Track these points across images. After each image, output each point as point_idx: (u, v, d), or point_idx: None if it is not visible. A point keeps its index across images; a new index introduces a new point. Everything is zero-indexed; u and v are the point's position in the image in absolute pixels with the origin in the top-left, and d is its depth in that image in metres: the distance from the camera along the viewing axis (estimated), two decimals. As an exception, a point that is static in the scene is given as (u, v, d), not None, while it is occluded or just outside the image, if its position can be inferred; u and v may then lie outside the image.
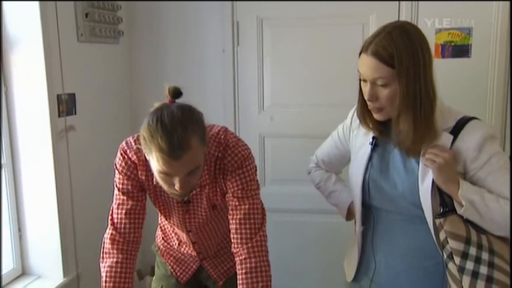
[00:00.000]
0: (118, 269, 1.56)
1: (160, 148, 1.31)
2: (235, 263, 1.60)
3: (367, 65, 1.36)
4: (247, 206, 1.55)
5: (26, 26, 2.18)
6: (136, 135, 1.55)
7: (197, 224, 1.69)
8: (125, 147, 1.58)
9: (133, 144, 1.56)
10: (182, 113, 1.37)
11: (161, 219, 1.87)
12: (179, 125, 1.33)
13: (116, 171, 1.60)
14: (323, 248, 2.87)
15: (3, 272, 2.29)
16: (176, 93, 1.44)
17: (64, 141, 2.33)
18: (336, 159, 1.78)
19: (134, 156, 1.56)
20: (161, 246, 1.91)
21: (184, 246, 1.84)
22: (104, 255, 1.60)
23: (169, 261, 1.89)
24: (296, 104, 2.82)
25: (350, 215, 1.71)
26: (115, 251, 1.58)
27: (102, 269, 1.59)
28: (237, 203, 1.55)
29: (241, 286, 1.51)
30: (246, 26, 2.80)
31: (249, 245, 1.53)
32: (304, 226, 2.92)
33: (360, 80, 1.43)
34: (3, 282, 2.27)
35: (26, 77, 2.22)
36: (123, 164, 1.57)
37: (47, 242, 2.35)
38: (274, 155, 2.91)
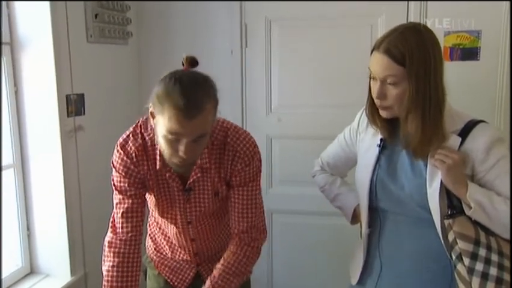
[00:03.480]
0: (114, 273, 1.55)
1: (176, 105, 1.31)
2: None
3: (378, 63, 1.37)
4: (250, 193, 1.60)
5: (36, 27, 2.20)
6: (129, 132, 1.57)
7: (198, 213, 1.64)
8: (122, 142, 1.56)
9: (136, 132, 1.55)
10: (201, 76, 1.40)
11: (151, 226, 1.84)
12: (198, 86, 1.36)
13: (113, 170, 1.58)
14: (329, 250, 2.86)
15: (12, 270, 2.31)
16: (192, 62, 1.47)
17: (72, 141, 2.34)
18: (341, 162, 1.77)
19: (133, 148, 1.54)
20: (155, 257, 1.86)
21: (178, 252, 1.79)
22: (104, 258, 1.60)
23: (164, 271, 1.84)
24: (304, 106, 2.82)
25: (354, 218, 1.71)
26: (111, 254, 1.57)
27: (103, 273, 1.59)
28: (240, 191, 1.59)
29: (217, 272, 1.58)
30: (254, 27, 2.81)
31: (246, 234, 1.60)
32: (311, 228, 2.92)
33: (370, 79, 1.44)
34: (12, 281, 2.29)
35: (36, 77, 2.24)
36: (119, 160, 1.55)
37: (55, 241, 2.36)
38: (282, 157, 2.92)
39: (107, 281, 1.55)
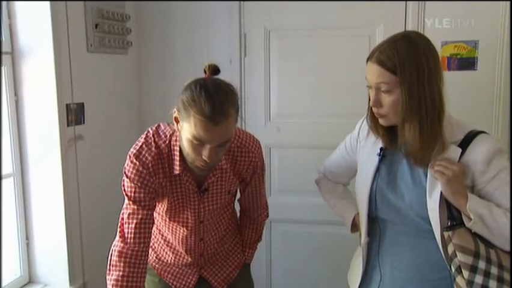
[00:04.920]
0: (124, 283, 1.54)
1: (202, 111, 1.35)
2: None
3: (372, 71, 1.40)
4: (260, 187, 1.83)
5: (37, 36, 2.21)
6: (141, 142, 1.58)
7: (211, 211, 1.70)
8: (136, 153, 1.56)
9: (148, 141, 1.58)
10: (224, 84, 1.45)
11: (152, 235, 1.83)
12: (222, 93, 1.40)
13: (127, 180, 1.58)
14: (328, 259, 2.86)
15: (11, 279, 2.31)
16: (214, 70, 1.51)
17: (72, 150, 2.35)
18: (343, 170, 1.78)
19: (149, 158, 1.55)
20: (157, 265, 1.86)
21: (181, 258, 1.81)
22: (111, 267, 1.58)
23: (167, 278, 1.85)
24: (303, 115, 2.83)
25: (354, 227, 1.71)
26: (121, 264, 1.56)
27: (108, 282, 1.57)
28: (253, 188, 1.80)
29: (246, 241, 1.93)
30: (253, 37, 2.83)
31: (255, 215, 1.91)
32: (310, 237, 2.92)
33: (368, 88, 1.46)
34: (10, 290, 2.29)
35: (36, 86, 2.24)
36: (134, 171, 1.56)
37: (54, 251, 2.36)
38: (281, 166, 2.92)
39: None
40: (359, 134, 1.65)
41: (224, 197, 1.70)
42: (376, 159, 1.53)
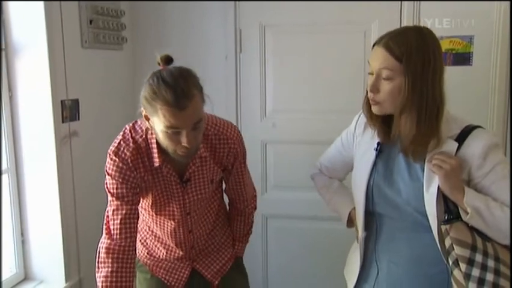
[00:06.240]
0: (114, 279, 1.56)
1: (166, 101, 1.38)
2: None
3: (376, 55, 1.39)
4: (243, 175, 1.82)
5: (31, 32, 2.20)
6: (119, 139, 1.61)
7: (196, 201, 1.71)
8: (115, 150, 1.59)
9: (126, 137, 1.60)
10: (180, 69, 1.47)
11: (141, 232, 1.86)
12: (180, 78, 1.43)
13: (108, 177, 1.61)
14: (324, 254, 2.87)
15: (6, 276, 2.30)
16: (167, 59, 1.51)
17: (67, 146, 2.34)
18: (339, 166, 1.78)
19: (127, 153, 1.58)
20: (148, 261, 1.87)
21: (172, 252, 1.82)
22: (99, 264, 1.60)
23: (160, 273, 1.85)
24: (298, 111, 2.83)
25: (350, 221, 1.71)
26: (110, 260, 1.57)
27: (98, 279, 1.58)
28: (236, 177, 1.80)
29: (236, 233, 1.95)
30: (248, 33, 2.82)
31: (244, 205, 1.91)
32: (306, 232, 2.92)
33: (369, 74, 1.45)
34: (6, 287, 2.28)
35: (31, 82, 2.24)
36: (114, 168, 1.58)
37: (50, 247, 2.36)
38: (276, 162, 2.92)
39: (106, 286, 1.55)
40: (355, 129, 1.65)
41: (207, 186, 1.71)
42: (373, 154, 1.53)
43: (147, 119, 1.50)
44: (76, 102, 2.40)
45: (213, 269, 1.87)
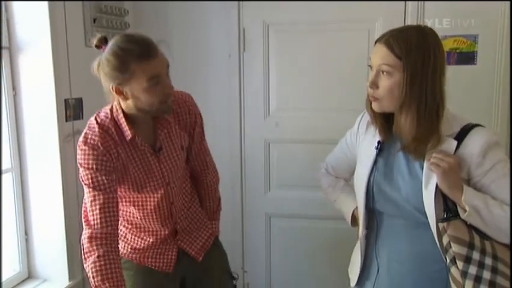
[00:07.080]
0: (102, 262, 1.56)
1: (138, 56, 1.49)
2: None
3: (377, 52, 1.40)
4: (204, 144, 1.93)
5: (35, 31, 2.20)
6: (84, 131, 1.64)
7: (172, 169, 1.75)
8: (83, 140, 1.62)
9: (91, 126, 1.64)
10: (121, 34, 1.57)
11: (120, 227, 1.83)
12: (131, 36, 1.55)
13: (82, 169, 1.62)
14: (327, 253, 2.87)
15: (10, 275, 2.31)
16: (105, 38, 1.59)
17: (70, 145, 2.34)
18: (344, 166, 1.78)
19: (96, 138, 1.60)
20: (133, 255, 1.84)
21: (158, 233, 1.81)
22: (85, 255, 1.59)
23: (148, 262, 1.83)
24: (302, 110, 2.82)
25: (354, 221, 1.71)
26: (95, 247, 1.57)
27: (87, 270, 1.58)
28: (198, 146, 1.89)
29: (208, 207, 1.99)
30: (252, 31, 2.82)
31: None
32: (309, 232, 2.92)
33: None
34: (9, 286, 2.28)
35: (34, 81, 2.24)
36: (86, 157, 1.60)
37: (53, 246, 2.36)
38: (280, 161, 2.92)
39: (96, 271, 1.55)
40: (358, 129, 1.65)
41: (179, 153, 1.77)
42: (374, 152, 1.53)
43: (119, 91, 1.55)
44: (79, 101, 2.41)
45: (196, 246, 1.89)
